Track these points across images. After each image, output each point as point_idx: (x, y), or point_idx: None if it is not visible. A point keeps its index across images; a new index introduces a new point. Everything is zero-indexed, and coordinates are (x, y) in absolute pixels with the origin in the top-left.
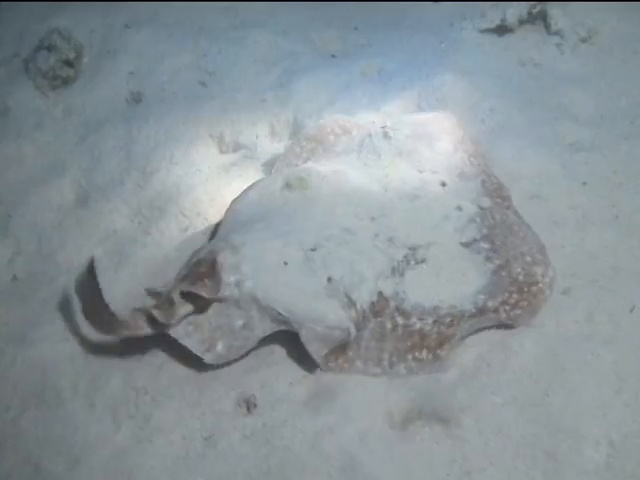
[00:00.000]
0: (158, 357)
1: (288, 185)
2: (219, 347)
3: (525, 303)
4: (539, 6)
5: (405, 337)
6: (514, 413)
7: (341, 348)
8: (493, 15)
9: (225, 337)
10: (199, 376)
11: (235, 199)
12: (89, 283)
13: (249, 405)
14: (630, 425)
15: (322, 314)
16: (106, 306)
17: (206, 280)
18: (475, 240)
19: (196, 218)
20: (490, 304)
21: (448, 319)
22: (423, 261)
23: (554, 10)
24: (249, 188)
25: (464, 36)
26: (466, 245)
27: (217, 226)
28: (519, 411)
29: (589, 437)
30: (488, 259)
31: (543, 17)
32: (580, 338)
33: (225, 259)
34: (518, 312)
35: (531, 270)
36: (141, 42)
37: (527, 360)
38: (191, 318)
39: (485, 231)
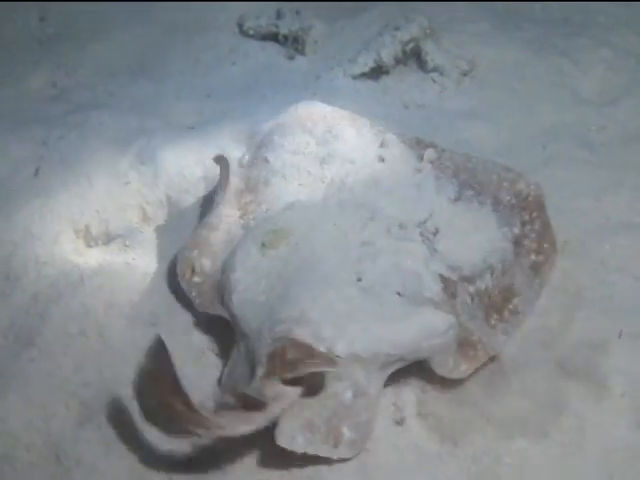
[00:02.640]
0: None
1: (264, 246)
2: (347, 434)
3: (535, 214)
4: (412, 43)
5: (488, 299)
6: None
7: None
8: (365, 59)
9: (344, 419)
10: None
11: (225, 274)
12: (159, 372)
13: None
14: None
15: (427, 327)
16: (186, 397)
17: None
18: (457, 192)
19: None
20: (516, 231)
21: (499, 265)
22: (437, 231)
23: (428, 45)
24: (230, 261)
25: (337, 84)
26: (455, 200)
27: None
28: None
29: None
30: (481, 203)
31: (417, 54)
32: None
33: (303, 334)
34: (538, 222)
35: (516, 189)
36: None
37: None
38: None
39: (455, 180)
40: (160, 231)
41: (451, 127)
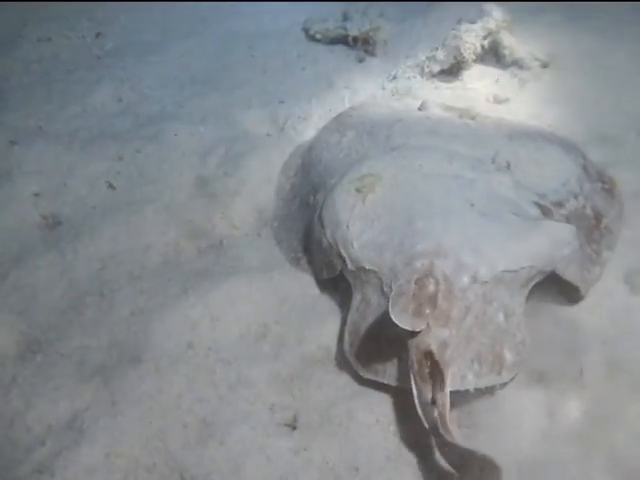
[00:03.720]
0: None
1: (360, 192)
2: (508, 357)
3: None
4: (489, 37)
5: (582, 220)
6: None
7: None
8: (444, 55)
9: (504, 342)
10: None
11: (330, 228)
12: None
13: None
14: None
15: (556, 237)
16: None
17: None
18: (508, 134)
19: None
20: (581, 160)
21: (578, 189)
22: (509, 164)
23: (506, 39)
24: (330, 215)
25: (415, 83)
26: (511, 138)
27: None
28: None
29: None
30: (534, 139)
31: (495, 49)
32: None
33: (446, 265)
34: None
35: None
36: (37, 157)
37: None
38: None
39: (502, 127)
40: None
41: (537, 118)
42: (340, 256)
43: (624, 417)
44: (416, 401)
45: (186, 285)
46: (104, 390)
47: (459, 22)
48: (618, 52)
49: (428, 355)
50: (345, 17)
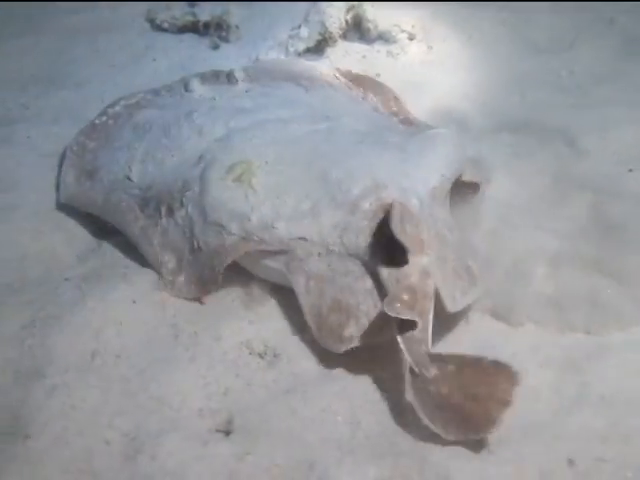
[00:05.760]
0: None
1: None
2: (474, 266)
3: None
4: (351, 12)
5: None
6: None
7: None
8: (309, 32)
9: (463, 255)
10: None
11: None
12: None
13: None
14: None
15: (451, 143)
16: None
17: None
18: None
19: None
20: None
21: None
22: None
23: (369, 12)
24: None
25: None
26: None
27: None
28: None
29: None
30: None
31: (358, 24)
32: None
33: (392, 195)
34: None
35: None
36: None
37: None
38: None
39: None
40: None
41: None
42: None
43: None
44: (400, 340)
45: (79, 291)
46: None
47: None
48: (482, 20)
49: (410, 288)
50: (191, 3)
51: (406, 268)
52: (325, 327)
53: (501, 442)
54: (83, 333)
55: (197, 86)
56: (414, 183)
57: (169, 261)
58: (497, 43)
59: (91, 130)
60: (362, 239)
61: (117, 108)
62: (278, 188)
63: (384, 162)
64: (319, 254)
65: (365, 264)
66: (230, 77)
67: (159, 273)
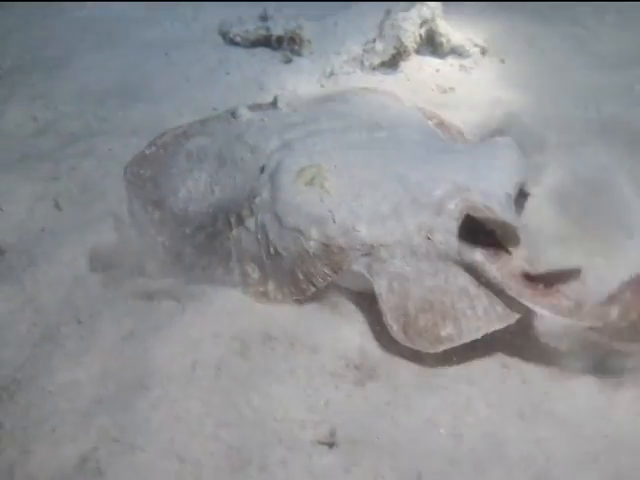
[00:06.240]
0: None
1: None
2: None
3: None
4: (425, 25)
5: None
6: None
7: None
8: (384, 46)
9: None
10: None
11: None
12: None
13: None
14: None
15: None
16: None
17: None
18: None
19: None
20: None
21: None
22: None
23: (441, 26)
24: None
25: (356, 77)
26: None
27: None
28: None
29: None
30: None
31: (431, 38)
32: None
33: (475, 198)
34: None
35: None
36: None
37: None
38: None
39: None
40: None
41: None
42: (342, 249)
43: None
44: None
45: (176, 302)
46: (111, 426)
47: (389, 13)
48: (553, 35)
49: (524, 276)
50: (263, 18)
51: (514, 262)
52: (414, 328)
53: None
54: (182, 345)
55: (245, 111)
56: (492, 187)
57: (252, 271)
58: (568, 58)
59: (142, 160)
60: (451, 239)
61: (165, 138)
62: (352, 191)
63: (458, 167)
64: (403, 256)
65: (456, 263)
66: (274, 104)
67: (244, 285)
